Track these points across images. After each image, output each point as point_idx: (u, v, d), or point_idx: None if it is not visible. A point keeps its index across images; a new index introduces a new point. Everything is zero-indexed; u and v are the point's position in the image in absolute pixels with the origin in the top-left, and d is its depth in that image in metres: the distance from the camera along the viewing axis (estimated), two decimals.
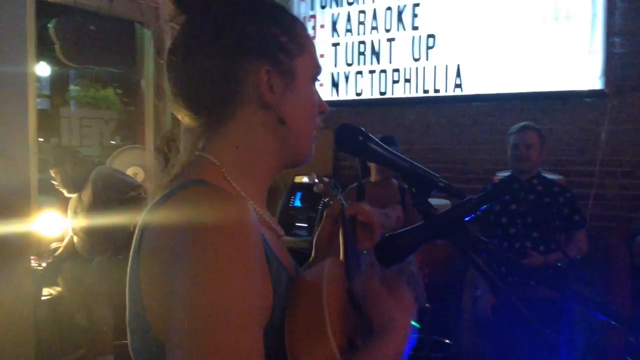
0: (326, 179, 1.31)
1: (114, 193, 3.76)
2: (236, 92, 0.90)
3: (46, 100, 6.93)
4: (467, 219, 1.06)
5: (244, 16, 0.89)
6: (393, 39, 4.87)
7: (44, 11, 4.91)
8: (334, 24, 5.14)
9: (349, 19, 5.07)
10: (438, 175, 1.12)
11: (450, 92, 4.64)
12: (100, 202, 3.78)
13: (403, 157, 1.11)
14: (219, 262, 0.72)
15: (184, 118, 0.95)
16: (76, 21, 5.07)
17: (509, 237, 3.14)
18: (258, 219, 0.91)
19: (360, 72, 5.04)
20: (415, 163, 1.12)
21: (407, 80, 4.82)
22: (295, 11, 5.19)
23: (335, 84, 5.15)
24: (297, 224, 5.00)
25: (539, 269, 2.88)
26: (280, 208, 5.05)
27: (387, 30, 4.89)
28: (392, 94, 4.89)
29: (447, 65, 4.64)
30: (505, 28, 4.35)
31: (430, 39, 4.71)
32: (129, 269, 0.84)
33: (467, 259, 1.04)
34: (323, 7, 5.17)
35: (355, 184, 3.83)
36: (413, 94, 4.81)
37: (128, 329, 0.85)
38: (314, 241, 1.23)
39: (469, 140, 4.73)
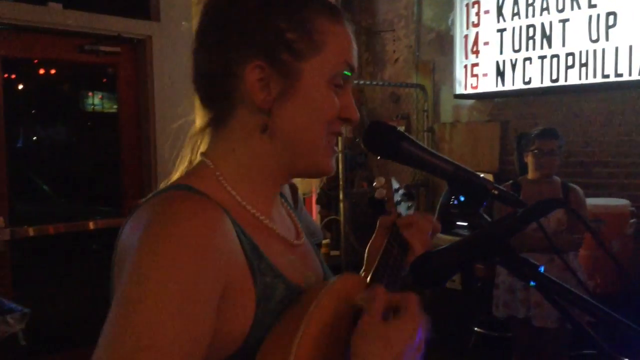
0: (396, 186, 1.17)
1: None
2: (234, 89, 0.84)
3: None
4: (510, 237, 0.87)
5: (251, 8, 0.83)
6: (567, 20, 4.37)
7: None
8: (500, 8, 4.77)
9: (516, 2, 4.66)
10: (491, 181, 0.94)
11: (635, 77, 4.03)
12: None
13: (447, 158, 0.95)
14: (159, 274, 0.67)
15: (199, 112, 0.91)
16: None
17: None
18: (256, 227, 0.85)
19: (529, 59, 4.61)
20: (462, 166, 0.95)
21: (584, 65, 4.29)
22: None
23: (500, 73, 4.78)
24: (457, 223, 4.73)
25: None
26: (440, 205, 4.82)
27: (560, 11, 4.41)
28: (566, 81, 4.39)
29: (631, 46, 4.03)
30: None
31: (611, 17, 4.13)
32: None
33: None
34: None
35: (510, 181, 3.52)
36: (591, 80, 4.27)
37: None
38: (365, 252, 1.11)
39: None
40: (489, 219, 0.93)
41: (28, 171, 4.49)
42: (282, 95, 0.83)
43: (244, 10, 0.83)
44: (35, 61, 3.99)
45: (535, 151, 3.33)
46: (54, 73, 4.81)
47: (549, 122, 4.35)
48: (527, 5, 4.60)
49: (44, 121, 5.21)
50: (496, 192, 0.93)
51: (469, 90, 5.01)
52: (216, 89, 0.86)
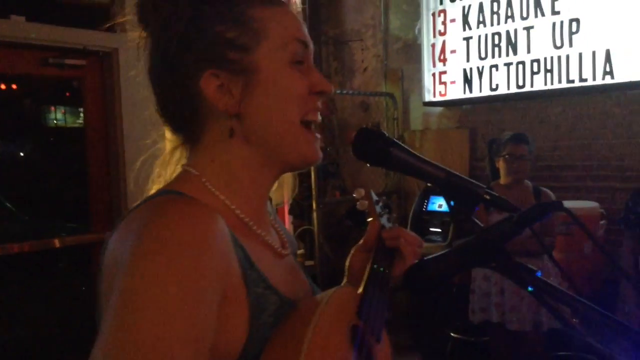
0: (376, 197, 1.15)
1: None
2: (199, 105, 0.82)
3: None
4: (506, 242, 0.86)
5: (186, 23, 0.80)
6: (531, 27, 4.45)
7: None
8: (465, 16, 4.83)
9: (481, 10, 4.73)
10: (484, 186, 0.93)
11: (599, 81, 4.12)
12: None
13: (437, 164, 0.93)
14: (154, 279, 0.63)
15: (168, 134, 0.88)
16: None
17: None
18: (246, 234, 0.83)
19: (495, 66, 4.67)
20: (453, 172, 0.93)
21: (549, 71, 4.37)
22: (423, 7, 4.98)
23: (468, 80, 4.84)
24: (430, 229, 4.78)
25: None
26: (413, 212, 4.85)
27: (524, 18, 4.48)
28: (532, 87, 4.47)
29: (594, 52, 4.12)
30: None
31: (574, 24, 4.22)
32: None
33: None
34: (453, 0, 4.89)
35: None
36: (556, 86, 4.35)
37: None
38: (346, 263, 1.08)
39: (626, 133, 4.17)
40: (481, 224, 0.92)
41: None
42: (246, 92, 0.81)
43: (180, 26, 0.80)
44: None
45: (507, 156, 3.37)
46: (16, 88, 4.69)
47: (516, 127, 4.41)
48: (492, 13, 4.67)
49: (5, 137, 5.07)
50: (488, 197, 0.92)
51: (438, 98, 5.05)
52: (183, 114, 0.84)
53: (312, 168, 4.68)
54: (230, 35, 0.80)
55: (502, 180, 3.44)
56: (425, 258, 0.93)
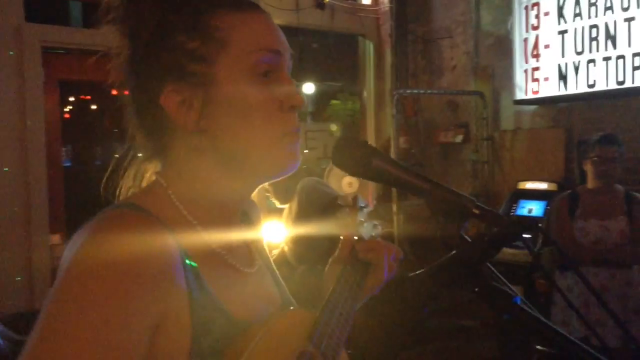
0: (362, 204, 1.09)
1: (315, 204, 3.87)
2: (163, 120, 0.80)
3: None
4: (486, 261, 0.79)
5: (153, 33, 0.78)
6: (632, 19, 4.09)
7: None
8: (560, 9, 4.53)
9: (577, 2, 4.42)
10: (474, 198, 0.85)
11: None
12: (304, 212, 3.93)
13: (423, 176, 0.88)
14: (77, 305, 0.63)
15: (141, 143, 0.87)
16: (299, 41, 5.39)
17: None
18: (204, 252, 0.80)
19: (592, 61, 4.35)
20: (440, 184, 0.87)
21: None
22: (515, 0, 4.75)
23: (563, 77, 4.54)
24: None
25: None
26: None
27: (625, 9, 4.13)
28: (633, 83, 4.11)
29: None
30: None
31: None
32: None
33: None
34: None
35: (568, 191, 3.31)
36: None
37: None
38: (323, 274, 1.04)
39: None
40: (469, 240, 0.85)
41: None
42: (207, 107, 0.77)
43: (146, 36, 0.78)
44: None
45: (595, 159, 3.12)
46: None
47: (616, 127, 4.09)
48: (590, 4, 4.35)
49: None
50: (477, 211, 0.84)
51: (530, 96, 4.78)
52: (148, 125, 0.82)
53: None
54: (192, 46, 0.77)
55: (590, 184, 3.19)
56: (407, 275, 0.87)
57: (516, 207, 4.64)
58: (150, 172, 0.88)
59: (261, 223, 1.02)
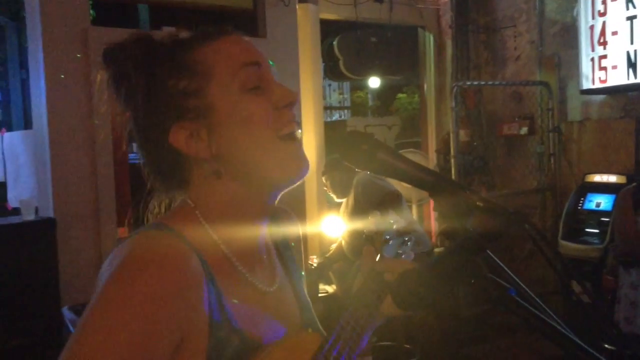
0: (392, 220, 1.07)
1: (371, 198, 3.89)
2: (178, 158, 0.86)
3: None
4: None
5: (145, 91, 0.84)
6: None
7: (329, 30, 5.37)
8: None
9: None
10: (477, 191, 0.86)
11: None
12: (360, 206, 3.95)
13: (427, 169, 0.89)
14: (110, 315, 0.70)
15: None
16: (357, 36, 5.40)
17: None
18: (227, 271, 0.85)
19: None
20: (444, 177, 0.88)
21: None
22: None
23: (632, 64, 4.32)
24: (586, 230, 4.37)
25: None
26: (567, 211, 4.48)
27: None
28: None
29: None
30: None
31: None
32: None
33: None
34: None
35: (633, 184, 3.16)
36: None
37: None
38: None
39: None
40: (467, 232, 0.85)
41: None
42: (213, 134, 0.83)
43: (140, 96, 0.84)
44: None
45: None
46: None
47: None
48: None
49: None
50: (481, 204, 0.85)
51: (597, 85, 4.59)
52: (167, 169, 0.87)
53: (452, 163, 4.55)
54: (182, 85, 0.83)
55: None
56: (409, 269, 0.88)
57: (584, 200, 4.47)
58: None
59: (296, 230, 1.05)
